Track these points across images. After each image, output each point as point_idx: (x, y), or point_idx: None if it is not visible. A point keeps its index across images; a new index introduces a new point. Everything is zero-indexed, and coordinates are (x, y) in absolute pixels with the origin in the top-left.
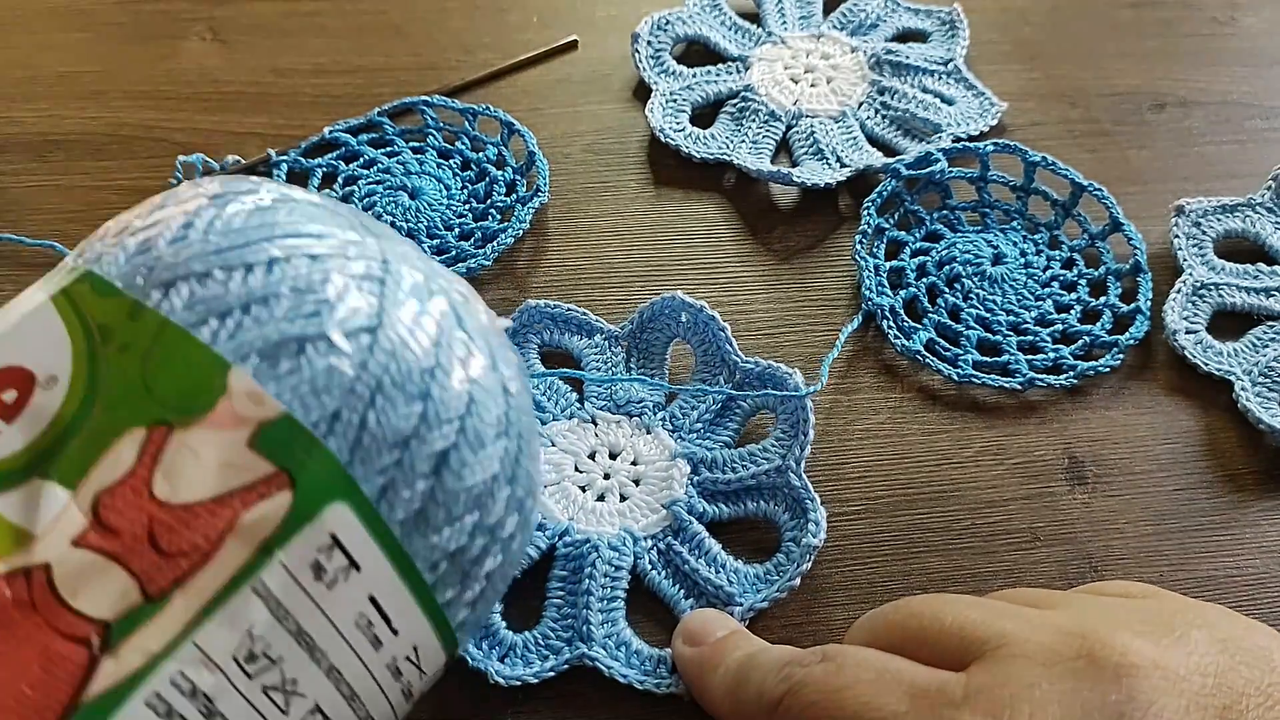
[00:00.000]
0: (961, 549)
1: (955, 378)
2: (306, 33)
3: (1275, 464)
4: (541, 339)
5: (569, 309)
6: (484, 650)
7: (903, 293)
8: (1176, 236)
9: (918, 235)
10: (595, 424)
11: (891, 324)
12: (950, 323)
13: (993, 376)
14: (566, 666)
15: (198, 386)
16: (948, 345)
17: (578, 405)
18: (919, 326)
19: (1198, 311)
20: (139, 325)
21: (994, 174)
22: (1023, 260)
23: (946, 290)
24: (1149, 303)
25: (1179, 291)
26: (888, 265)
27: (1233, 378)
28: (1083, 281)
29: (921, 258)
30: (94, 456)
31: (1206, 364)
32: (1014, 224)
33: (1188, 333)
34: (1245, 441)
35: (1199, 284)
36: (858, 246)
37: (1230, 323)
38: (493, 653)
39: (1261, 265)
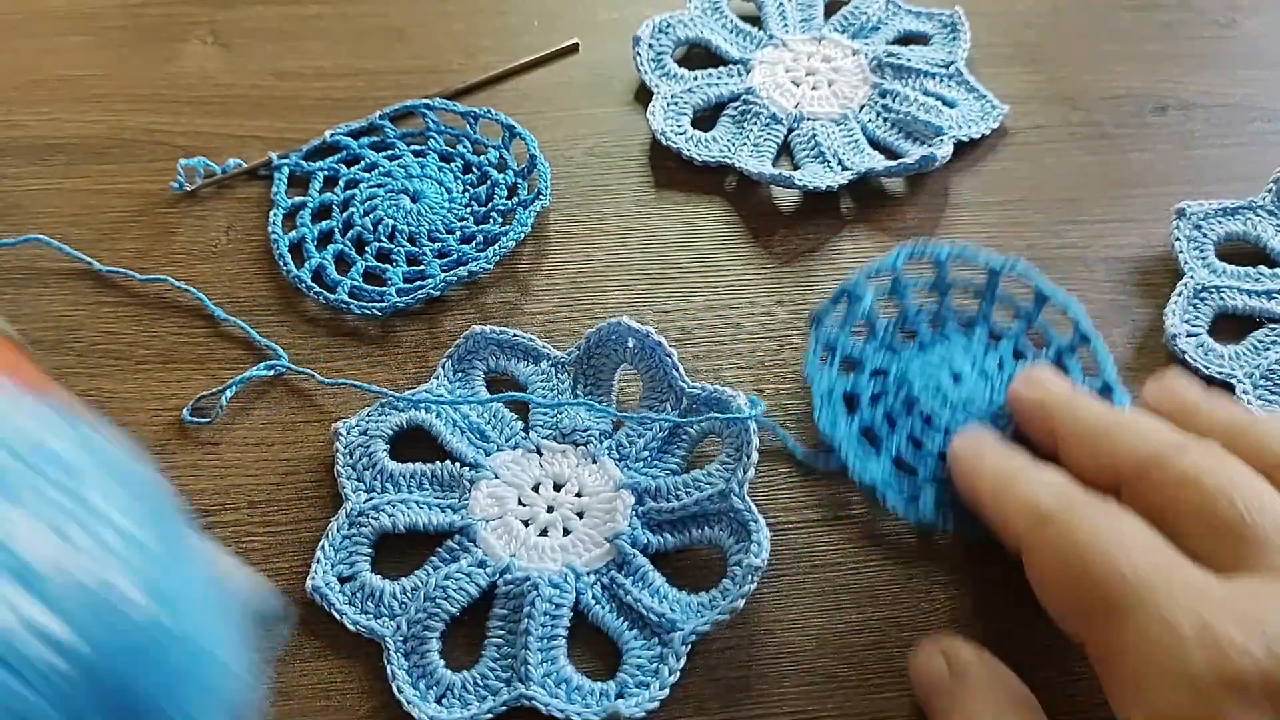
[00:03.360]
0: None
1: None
2: (308, 36)
3: None
4: (487, 365)
5: (515, 334)
6: (420, 691)
7: (858, 419)
8: (1178, 239)
9: (870, 349)
10: (540, 454)
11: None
12: (909, 456)
13: None
14: (505, 708)
15: None
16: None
17: (523, 434)
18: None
19: (1199, 314)
20: None
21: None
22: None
23: (904, 415)
24: (1114, 372)
25: (1180, 295)
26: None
27: (1234, 381)
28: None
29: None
30: None
31: (1208, 367)
32: (974, 330)
33: (1189, 336)
34: None
35: (1200, 287)
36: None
37: (1232, 326)
38: (429, 693)
39: (1263, 268)
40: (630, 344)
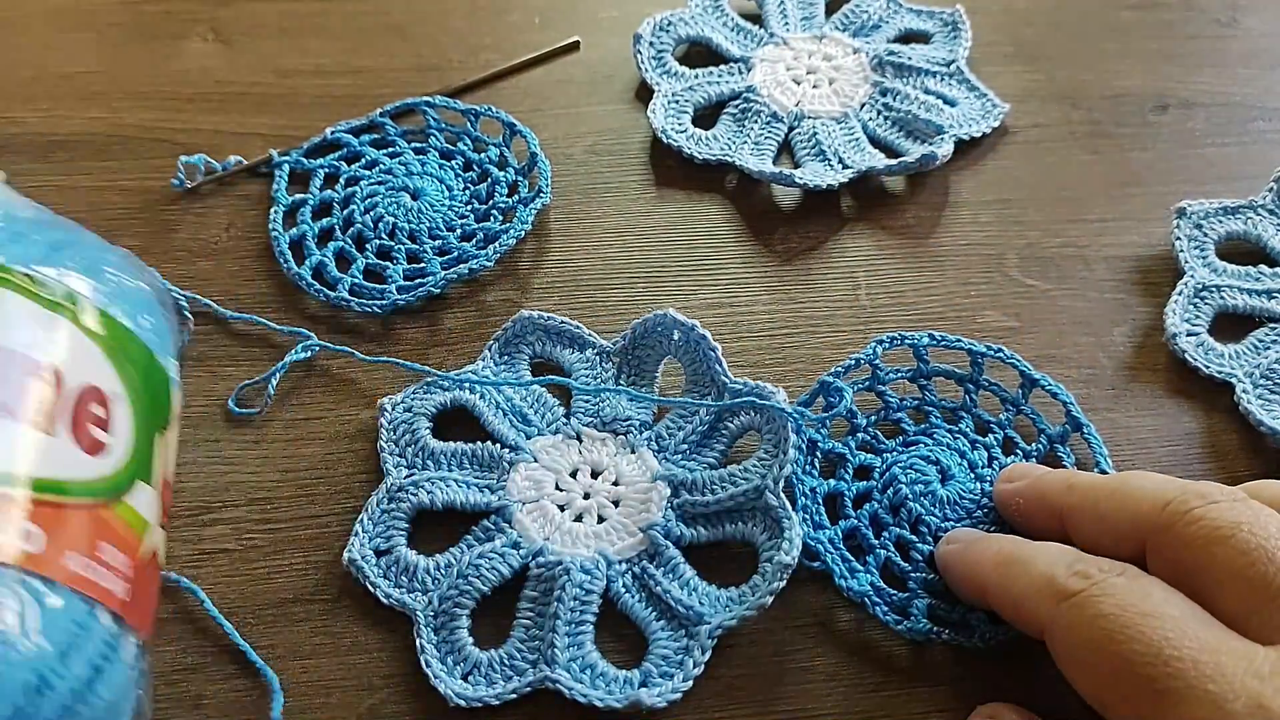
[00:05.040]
0: None
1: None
2: (308, 33)
3: (1277, 466)
4: (533, 350)
5: (562, 321)
6: (447, 667)
7: (843, 524)
8: (1178, 239)
9: (852, 445)
10: (580, 440)
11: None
12: (900, 562)
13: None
14: (529, 689)
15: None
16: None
17: (564, 420)
18: (861, 568)
19: (1199, 314)
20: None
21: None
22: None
23: (891, 519)
24: (1109, 460)
25: (1180, 294)
26: (825, 485)
27: (1234, 380)
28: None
29: (862, 483)
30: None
31: (1208, 366)
32: (961, 425)
33: (1189, 335)
34: (1247, 444)
35: (1200, 286)
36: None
37: (1232, 325)
38: (456, 670)
39: (1263, 267)
40: (675, 336)
